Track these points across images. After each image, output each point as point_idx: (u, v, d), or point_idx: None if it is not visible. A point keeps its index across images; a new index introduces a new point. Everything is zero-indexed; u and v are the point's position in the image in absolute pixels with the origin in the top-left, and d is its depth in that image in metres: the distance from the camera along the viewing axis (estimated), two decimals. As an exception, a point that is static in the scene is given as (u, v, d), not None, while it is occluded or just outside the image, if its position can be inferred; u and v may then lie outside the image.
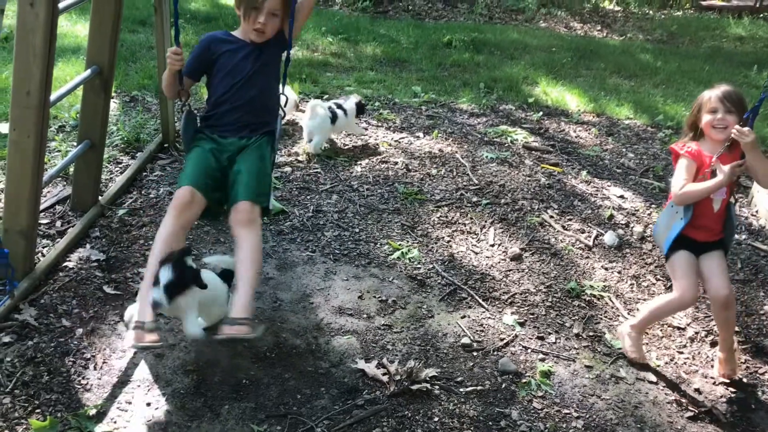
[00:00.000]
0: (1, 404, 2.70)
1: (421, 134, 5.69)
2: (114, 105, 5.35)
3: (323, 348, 3.25)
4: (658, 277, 4.08)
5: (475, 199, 4.71)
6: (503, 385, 3.12)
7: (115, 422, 2.71)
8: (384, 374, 3.07)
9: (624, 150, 5.89)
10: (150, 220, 4.05)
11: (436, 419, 2.89)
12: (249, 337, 2.86)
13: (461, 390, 3.07)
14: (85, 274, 3.51)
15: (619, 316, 3.70)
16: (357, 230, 4.24)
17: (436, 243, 4.17)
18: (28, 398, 2.76)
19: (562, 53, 8.51)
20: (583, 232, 4.45)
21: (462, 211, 4.55)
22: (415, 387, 2.99)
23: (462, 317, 3.56)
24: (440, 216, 4.47)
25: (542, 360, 3.31)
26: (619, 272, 4.09)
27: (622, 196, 5.00)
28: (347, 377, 3.07)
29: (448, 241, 4.21)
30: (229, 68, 3.19)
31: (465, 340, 3.38)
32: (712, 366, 3.40)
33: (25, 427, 2.63)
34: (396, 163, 5.13)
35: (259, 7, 3.09)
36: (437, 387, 3.06)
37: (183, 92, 3.22)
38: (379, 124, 5.83)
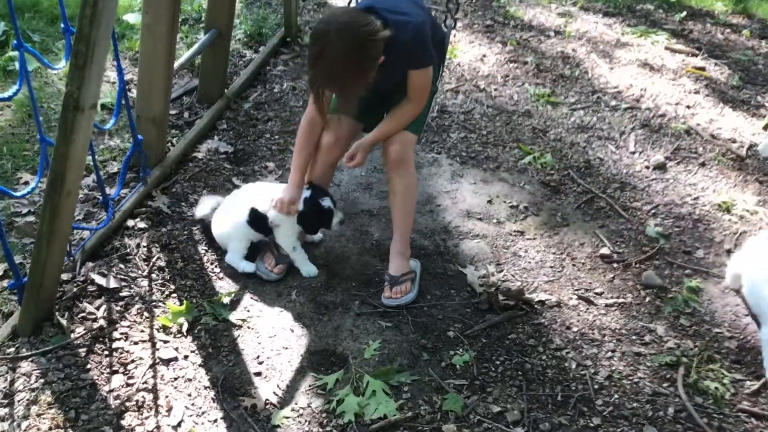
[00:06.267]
0: (139, 287, 2.74)
1: (551, 33, 5.30)
2: (235, -2, 5.24)
3: (452, 251, 3.12)
4: (822, 193, 3.67)
5: (613, 102, 4.35)
6: (647, 299, 2.91)
7: (248, 311, 2.71)
8: (482, 285, 2.90)
9: (781, 54, 5.30)
10: (275, 115, 3.98)
11: (575, 329, 2.72)
12: (411, 299, 2.80)
13: (601, 302, 2.88)
14: (214, 165, 3.49)
15: (776, 233, 3.36)
16: (484, 132, 4.02)
17: (570, 148, 3.90)
18: (164, 282, 2.79)
19: (707, -52, 7.68)
20: (734, 142, 4.04)
21: (599, 115, 4.22)
22: (502, 302, 2.80)
23: (600, 227, 3.32)
24: (575, 120, 4.16)
25: (689, 276, 3.05)
26: (776, 186, 3.71)
27: (779, 104, 4.51)
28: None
29: (584, 147, 3.92)
30: None
31: (604, 251, 3.15)
32: None
33: (162, 309, 2.66)
34: (525, 62, 4.80)
35: None
36: (575, 297, 2.89)
37: None
38: (506, 22, 5.46)
